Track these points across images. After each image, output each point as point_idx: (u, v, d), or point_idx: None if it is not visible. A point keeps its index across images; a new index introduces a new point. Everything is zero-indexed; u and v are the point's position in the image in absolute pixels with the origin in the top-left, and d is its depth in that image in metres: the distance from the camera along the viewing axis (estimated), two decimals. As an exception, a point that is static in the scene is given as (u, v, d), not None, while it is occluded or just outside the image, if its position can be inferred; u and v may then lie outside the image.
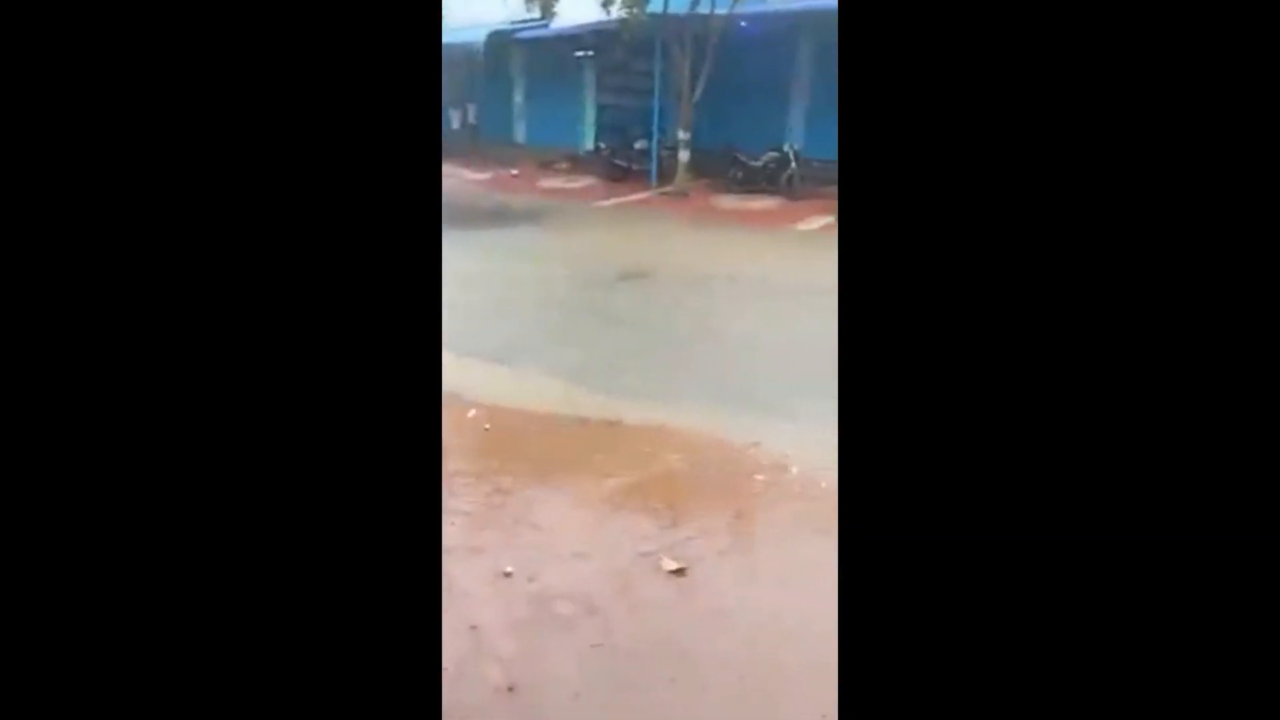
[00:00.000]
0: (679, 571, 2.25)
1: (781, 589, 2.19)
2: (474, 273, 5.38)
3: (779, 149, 9.38)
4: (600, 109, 11.88)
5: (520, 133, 13.11)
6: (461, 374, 3.62)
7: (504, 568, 2.23)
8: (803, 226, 7.86)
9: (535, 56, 12.21)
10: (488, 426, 3.25)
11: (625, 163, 10.44)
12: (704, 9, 8.84)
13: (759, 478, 2.84)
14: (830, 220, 7.97)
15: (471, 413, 3.33)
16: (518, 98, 13.06)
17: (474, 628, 1.96)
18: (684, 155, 9.46)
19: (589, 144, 11.79)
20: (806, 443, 3.06)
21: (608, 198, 9.45)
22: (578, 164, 11.49)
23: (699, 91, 9.19)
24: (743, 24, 9.26)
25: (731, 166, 9.61)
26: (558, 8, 10.19)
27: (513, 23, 11.47)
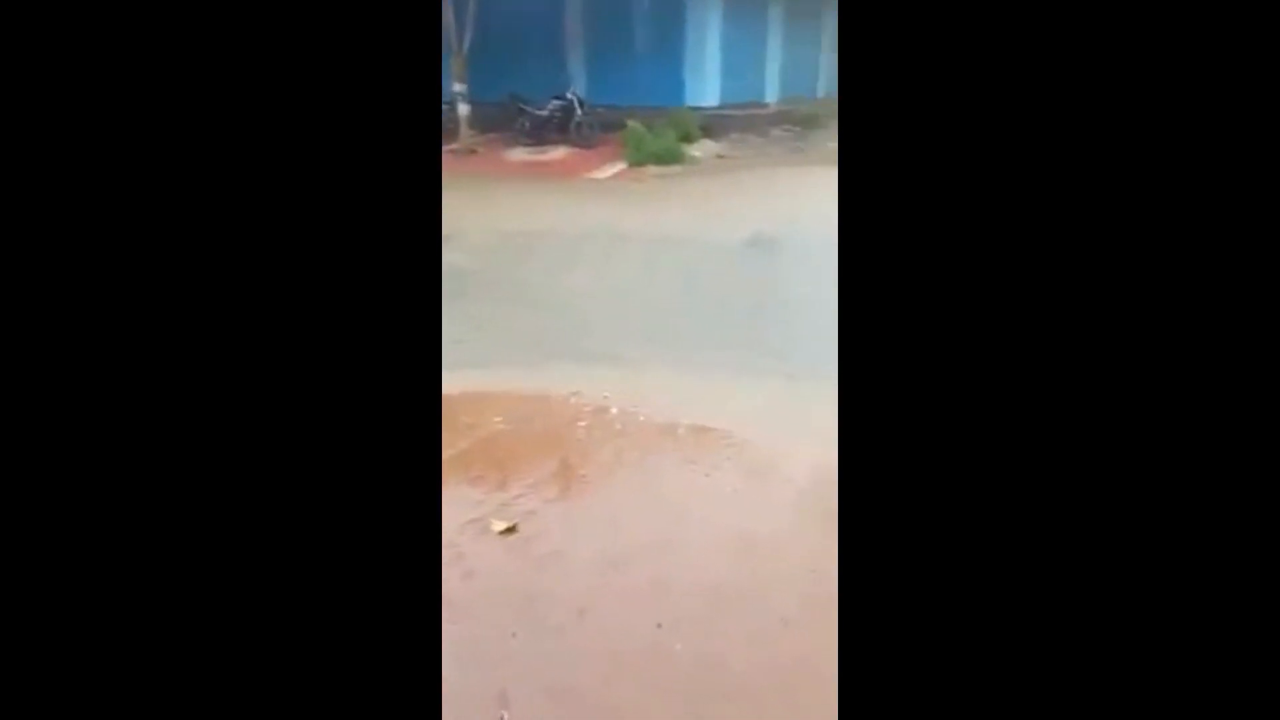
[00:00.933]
0: (510, 529, 2.26)
1: (609, 521, 2.29)
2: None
3: (563, 97, 9.28)
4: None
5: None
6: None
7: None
8: (597, 174, 7.94)
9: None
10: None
11: (403, 122, 9.71)
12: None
13: (581, 424, 2.91)
14: (624, 165, 8.13)
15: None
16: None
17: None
18: (464, 109, 9.01)
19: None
20: (624, 384, 3.17)
21: (390, 162, 8.76)
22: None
23: (468, 40, 8.73)
24: (504, -34, 8.89)
25: (518, 118, 9.35)
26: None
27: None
